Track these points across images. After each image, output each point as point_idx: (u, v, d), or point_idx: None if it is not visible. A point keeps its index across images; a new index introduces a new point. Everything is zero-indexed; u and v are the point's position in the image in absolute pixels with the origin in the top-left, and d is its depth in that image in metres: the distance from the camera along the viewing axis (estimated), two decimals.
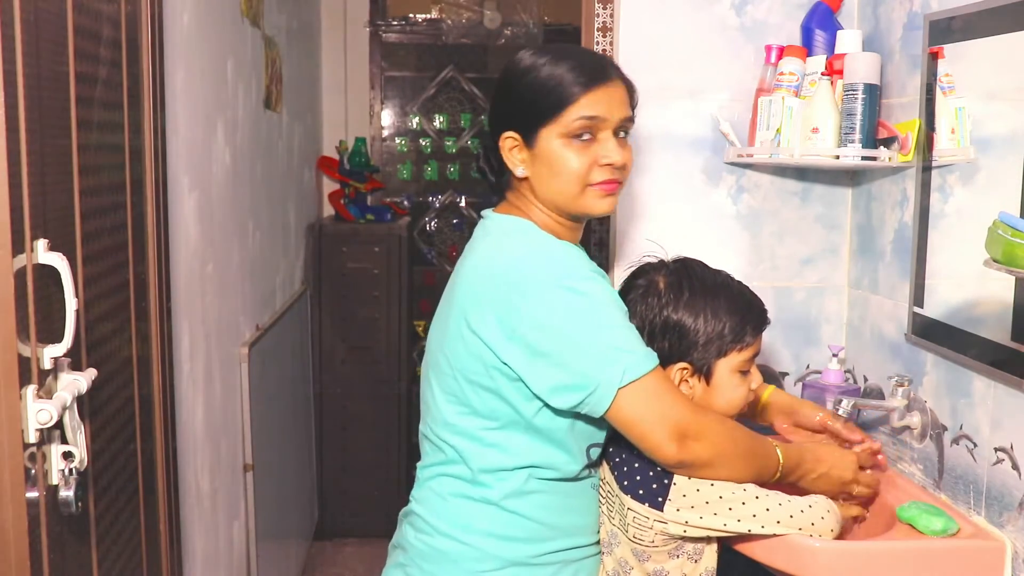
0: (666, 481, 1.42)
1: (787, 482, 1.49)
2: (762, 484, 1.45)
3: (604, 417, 1.35)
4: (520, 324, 1.33)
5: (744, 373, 1.51)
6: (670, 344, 1.47)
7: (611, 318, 1.35)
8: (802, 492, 1.51)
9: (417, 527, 1.48)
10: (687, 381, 1.49)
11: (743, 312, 1.49)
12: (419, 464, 1.53)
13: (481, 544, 1.41)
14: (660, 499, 1.42)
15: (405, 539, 1.50)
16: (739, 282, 1.55)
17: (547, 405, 1.37)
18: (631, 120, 1.48)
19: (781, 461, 1.45)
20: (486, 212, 1.52)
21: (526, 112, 1.43)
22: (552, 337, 1.33)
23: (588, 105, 1.41)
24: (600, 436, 1.46)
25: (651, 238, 1.93)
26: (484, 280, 1.38)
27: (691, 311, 1.47)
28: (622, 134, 1.46)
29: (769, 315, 1.56)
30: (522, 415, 1.39)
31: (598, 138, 1.42)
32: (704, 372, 1.48)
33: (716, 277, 1.53)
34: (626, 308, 1.42)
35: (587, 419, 1.39)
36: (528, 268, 1.36)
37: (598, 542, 1.52)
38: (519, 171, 1.45)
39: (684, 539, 1.46)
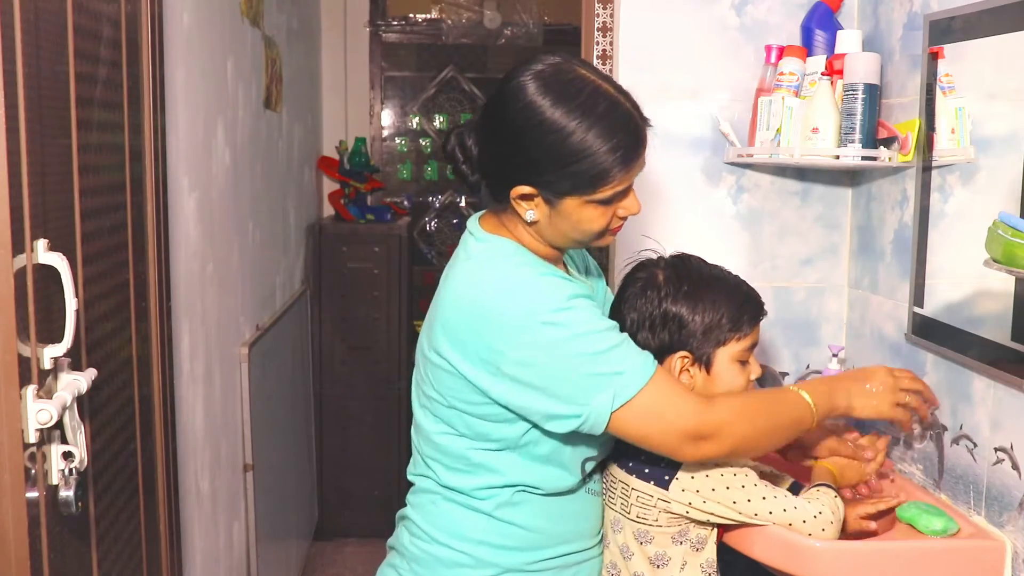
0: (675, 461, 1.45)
1: (835, 416, 1.51)
2: (807, 432, 1.49)
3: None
4: (504, 363, 1.31)
5: (743, 363, 1.53)
6: (670, 335, 1.49)
7: (594, 344, 1.31)
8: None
9: (412, 532, 1.47)
10: (688, 370, 1.50)
11: (740, 302, 1.52)
12: (409, 469, 1.51)
13: (475, 552, 1.41)
14: (667, 478, 1.45)
15: (400, 542, 1.49)
16: (735, 275, 1.57)
17: (536, 426, 1.36)
18: None
19: (814, 408, 1.43)
20: (472, 223, 1.46)
21: (554, 176, 1.31)
22: (538, 373, 1.31)
23: (625, 180, 1.34)
24: (594, 451, 1.45)
25: (647, 235, 1.93)
26: (464, 315, 1.34)
27: (690, 302, 1.49)
28: None
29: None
30: (509, 437, 1.38)
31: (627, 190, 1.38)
32: (704, 361, 1.50)
33: (712, 270, 1.55)
34: (613, 321, 1.39)
35: (579, 435, 1.37)
36: (506, 305, 1.32)
37: (599, 543, 1.52)
38: (528, 216, 1.37)
39: (689, 523, 1.47)
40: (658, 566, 1.49)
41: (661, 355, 1.48)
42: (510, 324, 1.31)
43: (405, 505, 1.52)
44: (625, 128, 1.32)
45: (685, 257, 1.57)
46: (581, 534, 1.48)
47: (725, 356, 1.51)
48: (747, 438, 1.37)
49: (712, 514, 1.46)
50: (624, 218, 1.41)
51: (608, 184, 1.33)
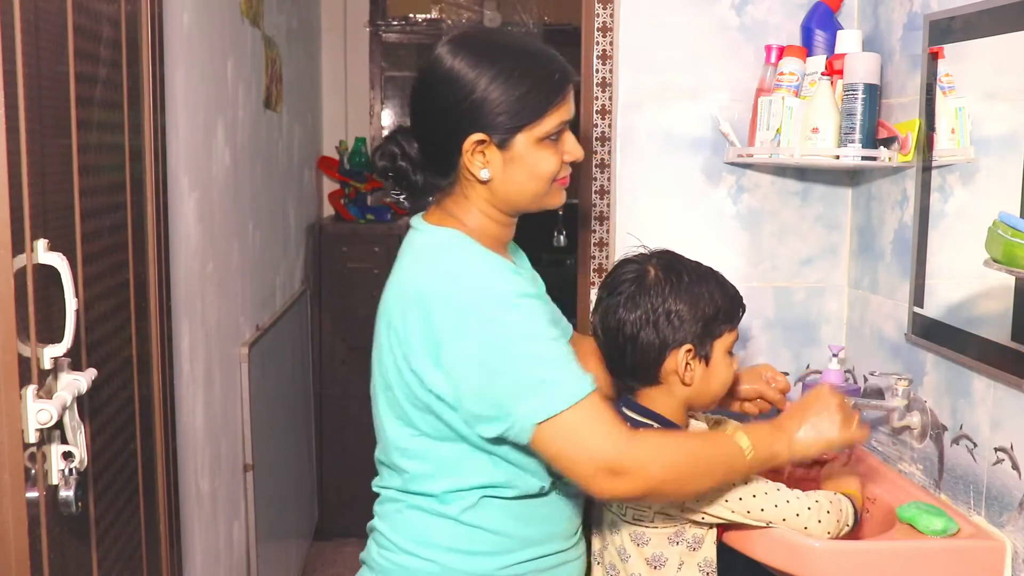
0: None
1: (777, 464, 1.48)
2: (764, 473, 1.46)
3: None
4: (444, 355, 1.29)
5: (731, 355, 1.57)
6: (673, 330, 1.50)
7: (534, 348, 1.29)
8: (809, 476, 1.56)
9: (379, 543, 1.44)
10: (690, 364, 1.51)
11: (732, 295, 1.56)
12: (375, 482, 1.48)
13: (443, 559, 1.37)
14: None
15: (370, 555, 1.46)
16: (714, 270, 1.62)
17: None
18: None
19: (749, 455, 1.39)
20: (415, 220, 1.45)
21: (502, 109, 1.35)
22: (473, 370, 1.28)
23: (565, 107, 1.39)
24: None
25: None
26: (411, 305, 1.33)
27: (691, 296, 1.51)
28: None
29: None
30: (466, 437, 1.35)
31: (561, 136, 1.41)
32: (704, 354, 1.52)
33: (699, 265, 1.58)
34: (559, 332, 1.35)
35: None
36: (452, 296, 1.31)
37: (577, 544, 1.48)
38: (483, 174, 1.38)
39: (685, 523, 1.48)
40: (655, 567, 1.49)
41: (664, 351, 1.49)
42: (457, 312, 1.30)
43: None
44: (554, 58, 1.41)
45: (670, 252, 1.59)
46: (554, 536, 1.43)
47: (721, 348, 1.54)
48: (665, 481, 1.31)
49: (705, 513, 1.46)
50: (571, 164, 1.43)
51: (554, 106, 1.37)
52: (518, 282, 1.35)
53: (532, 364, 1.28)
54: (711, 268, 1.58)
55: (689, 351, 1.51)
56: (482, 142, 1.36)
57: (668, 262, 1.55)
